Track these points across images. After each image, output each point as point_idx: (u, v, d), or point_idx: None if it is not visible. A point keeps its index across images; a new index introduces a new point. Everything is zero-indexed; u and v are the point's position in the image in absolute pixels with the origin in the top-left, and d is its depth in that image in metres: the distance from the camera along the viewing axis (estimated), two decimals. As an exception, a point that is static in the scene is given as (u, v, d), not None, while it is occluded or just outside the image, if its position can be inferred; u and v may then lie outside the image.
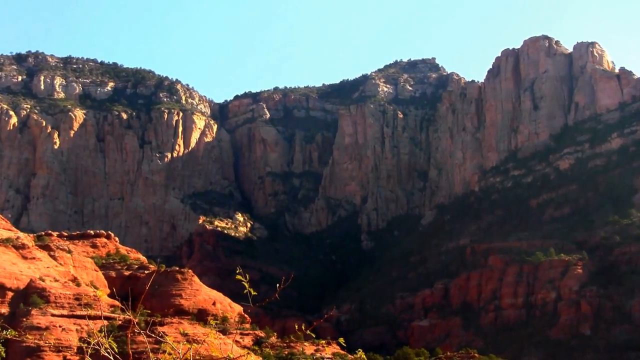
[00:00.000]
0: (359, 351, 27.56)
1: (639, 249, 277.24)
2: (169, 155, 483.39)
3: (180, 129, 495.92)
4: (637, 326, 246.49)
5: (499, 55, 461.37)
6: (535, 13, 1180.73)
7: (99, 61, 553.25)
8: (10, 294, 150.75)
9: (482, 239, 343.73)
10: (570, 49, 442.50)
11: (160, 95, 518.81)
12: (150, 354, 23.49)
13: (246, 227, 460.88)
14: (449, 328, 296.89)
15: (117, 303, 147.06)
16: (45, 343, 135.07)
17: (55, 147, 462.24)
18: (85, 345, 21.86)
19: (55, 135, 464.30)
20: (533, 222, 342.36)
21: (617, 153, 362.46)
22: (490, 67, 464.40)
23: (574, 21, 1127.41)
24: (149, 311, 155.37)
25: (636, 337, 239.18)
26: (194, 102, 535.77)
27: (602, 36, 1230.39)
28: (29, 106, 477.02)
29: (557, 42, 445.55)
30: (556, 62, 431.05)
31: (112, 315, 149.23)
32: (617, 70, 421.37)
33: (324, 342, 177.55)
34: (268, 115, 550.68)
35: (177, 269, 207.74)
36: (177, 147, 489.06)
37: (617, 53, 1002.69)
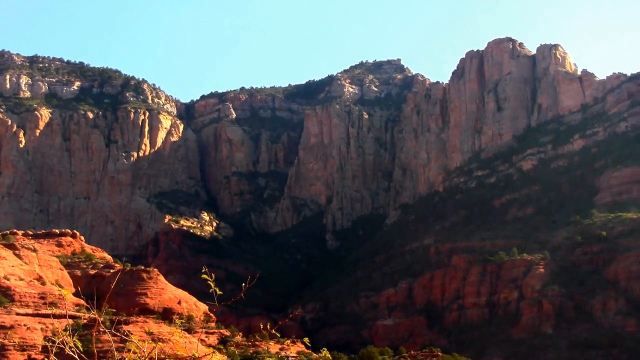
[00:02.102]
0: (324, 350, 28.25)
1: (600, 249, 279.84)
2: (135, 155, 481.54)
3: (147, 128, 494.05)
4: (598, 325, 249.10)
5: (464, 56, 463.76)
6: (500, 15, 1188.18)
7: (65, 60, 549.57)
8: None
9: (445, 239, 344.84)
10: (534, 51, 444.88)
11: (127, 94, 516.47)
12: (115, 353, 23.33)
13: (212, 226, 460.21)
14: (412, 327, 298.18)
15: (82, 302, 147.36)
16: (10, 342, 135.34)
17: (21, 146, 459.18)
18: (50, 344, 21.49)
19: (21, 134, 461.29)
20: (496, 222, 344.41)
21: (579, 154, 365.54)
22: (455, 68, 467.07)
23: (537, 24, 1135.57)
24: (114, 310, 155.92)
25: (597, 335, 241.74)
26: (160, 102, 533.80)
27: (565, 39, 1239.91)
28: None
29: (520, 44, 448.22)
30: (520, 64, 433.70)
31: (77, 314, 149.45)
32: (579, 73, 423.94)
33: (289, 341, 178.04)
34: (234, 115, 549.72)
35: (143, 268, 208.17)
36: (143, 146, 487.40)
37: (580, 55, 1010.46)
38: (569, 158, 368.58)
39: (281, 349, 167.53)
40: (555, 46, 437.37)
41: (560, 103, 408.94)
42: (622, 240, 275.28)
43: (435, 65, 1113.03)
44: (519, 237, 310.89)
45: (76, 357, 20.43)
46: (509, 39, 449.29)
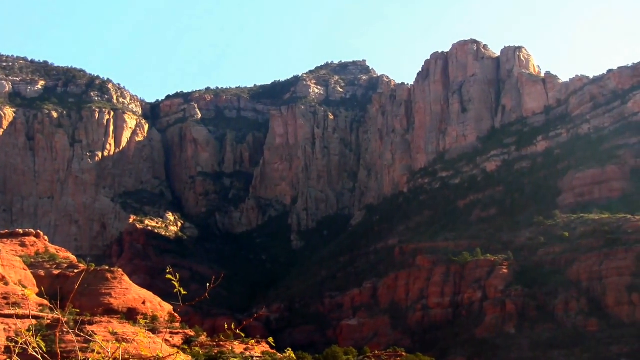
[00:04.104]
0: (288, 350, 28.60)
1: (563, 249, 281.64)
2: (100, 155, 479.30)
3: (112, 128, 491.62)
4: (560, 325, 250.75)
5: (429, 58, 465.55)
6: (464, 17, 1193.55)
7: (30, 59, 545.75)
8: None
9: (410, 239, 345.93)
10: (498, 53, 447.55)
11: (92, 94, 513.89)
12: (79, 353, 22.33)
13: (177, 226, 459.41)
14: (377, 327, 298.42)
15: (45, 302, 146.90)
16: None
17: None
18: (13, 344, 20.72)
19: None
20: (460, 222, 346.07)
21: (542, 156, 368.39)
22: (420, 69, 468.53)
23: (501, 26, 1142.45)
24: (78, 310, 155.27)
25: (559, 335, 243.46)
26: (125, 102, 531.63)
27: (529, 41, 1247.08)
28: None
29: (485, 46, 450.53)
30: (484, 66, 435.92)
31: (41, 314, 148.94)
32: (542, 75, 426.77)
33: (253, 341, 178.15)
34: (199, 115, 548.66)
35: (107, 267, 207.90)
36: (108, 146, 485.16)
37: (543, 58, 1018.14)
38: (532, 159, 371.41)
39: (246, 349, 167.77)
40: (519, 48, 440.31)
41: (523, 105, 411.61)
42: (584, 241, 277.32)
43: (401, 67, 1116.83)
44: (483, 238, 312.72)
45: (39, 357, 19.87)
46: (474, 41, 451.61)
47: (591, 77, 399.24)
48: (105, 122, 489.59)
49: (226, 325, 24.33)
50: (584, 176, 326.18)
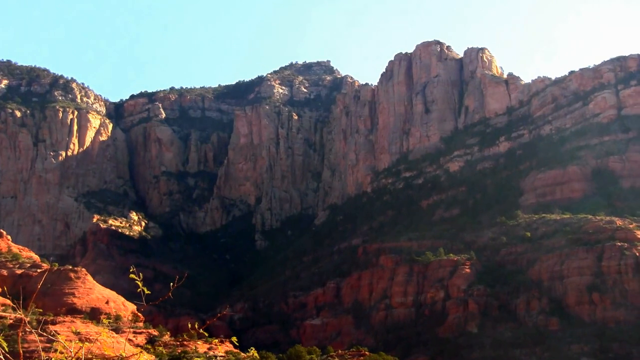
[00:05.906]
0: (252, 349, 29.16)
1: (525, 249, 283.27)
2: (64, 154, 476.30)
3: (75, 127, 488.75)
4: (522, 324, 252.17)
5: (392, 59, 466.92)
6: (428, 19, 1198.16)
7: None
8: None
9: (373, 239, 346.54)
10: (461, 54, 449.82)
11: (55, 93, 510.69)
12: (42, 353, 22.75)
13: (140, 226, 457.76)
14: (340, 326, 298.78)
15: (8, 302, 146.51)
16: None
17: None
18: None
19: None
20: (423, 222, 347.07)
21: (505, 156, 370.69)
22: (384, 70, 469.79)
23: (464, 27, 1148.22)
24: (41, 310, 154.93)
25: (521, 334, 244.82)
26: (89, 101, 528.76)
27: (492, 42, 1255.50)
28: None
29: (448, 47, 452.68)
30: (447, 67, 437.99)
31: (3, 314, 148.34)
32: (505, 76, 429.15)
33: (217, 340, 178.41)
34: (164, 115, 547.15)
35: (70, 267, 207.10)
36: (71, 145, 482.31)
37: (506, 59, 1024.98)
38: (494, 160, 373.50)
39: (209, 349, 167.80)
40: (482, 50, 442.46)
41: (486, 106, 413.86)
42: (546, 241, 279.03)
43: (365, 67, 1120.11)
44: (446, 238, 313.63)
45: (1, 357, 20.26)
46: (437, 42, 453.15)
47: (553, 78, 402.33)
48: (68, 121, 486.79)
49: (190, 325, 25.21)
50: (545, 177, 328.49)
